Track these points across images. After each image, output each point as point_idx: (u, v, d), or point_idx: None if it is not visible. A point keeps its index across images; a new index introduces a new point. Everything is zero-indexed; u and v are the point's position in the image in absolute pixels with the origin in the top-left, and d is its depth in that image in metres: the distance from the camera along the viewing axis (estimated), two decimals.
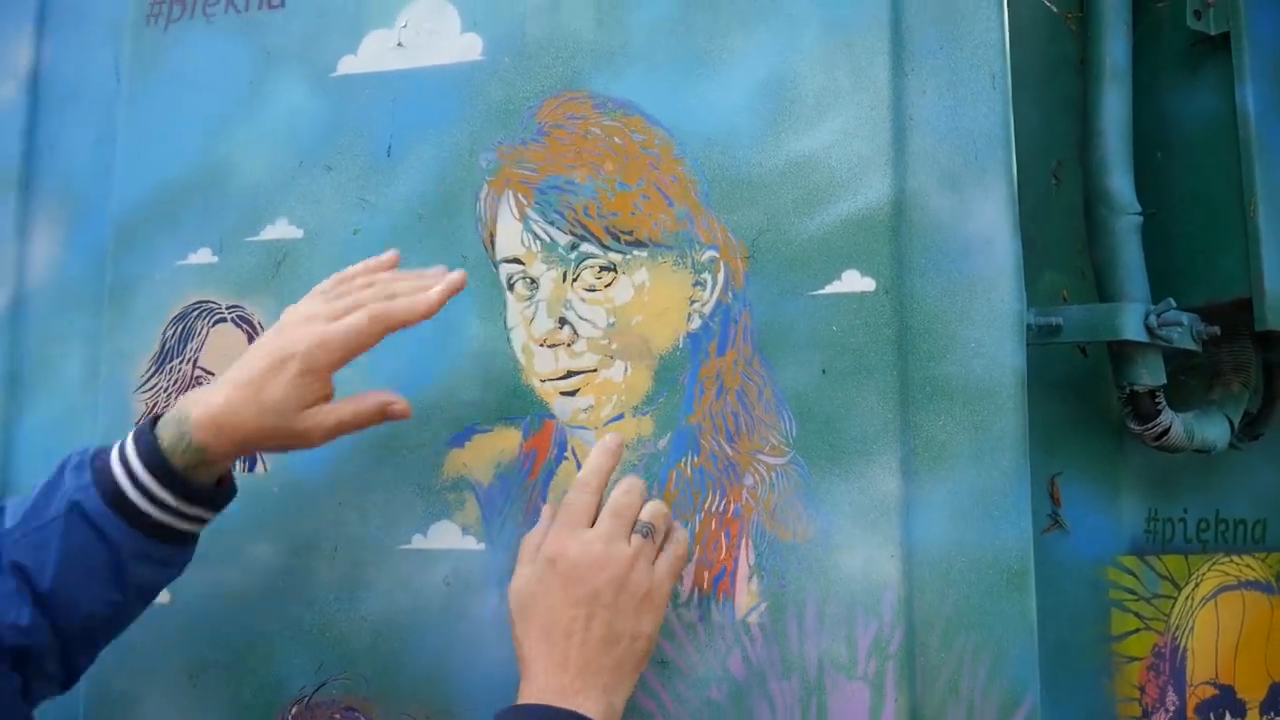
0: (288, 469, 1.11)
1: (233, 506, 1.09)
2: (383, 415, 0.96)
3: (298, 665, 1.08)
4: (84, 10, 1.31)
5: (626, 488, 0.93)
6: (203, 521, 0.95)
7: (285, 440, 0.94)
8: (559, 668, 0.85)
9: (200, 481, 0.93)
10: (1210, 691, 1.19)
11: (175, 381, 1.16)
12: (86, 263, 1.25)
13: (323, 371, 0.92)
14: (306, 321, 0.94)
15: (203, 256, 1.18)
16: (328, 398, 0.95)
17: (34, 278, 1.28)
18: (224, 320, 1.16)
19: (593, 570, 0.88)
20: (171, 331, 1.18)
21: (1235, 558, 1.24)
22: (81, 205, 1.27)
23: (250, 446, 0.95)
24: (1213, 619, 1.21)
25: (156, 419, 0.93)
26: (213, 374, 1.15)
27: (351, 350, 0.93)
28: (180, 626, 1.12)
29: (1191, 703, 1.18)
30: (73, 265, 1.26)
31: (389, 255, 1.03)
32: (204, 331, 1.17)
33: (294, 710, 1.08)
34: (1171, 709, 1.16)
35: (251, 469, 1.13)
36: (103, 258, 1.22)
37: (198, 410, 0.90)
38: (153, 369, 1.18)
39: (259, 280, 1.15)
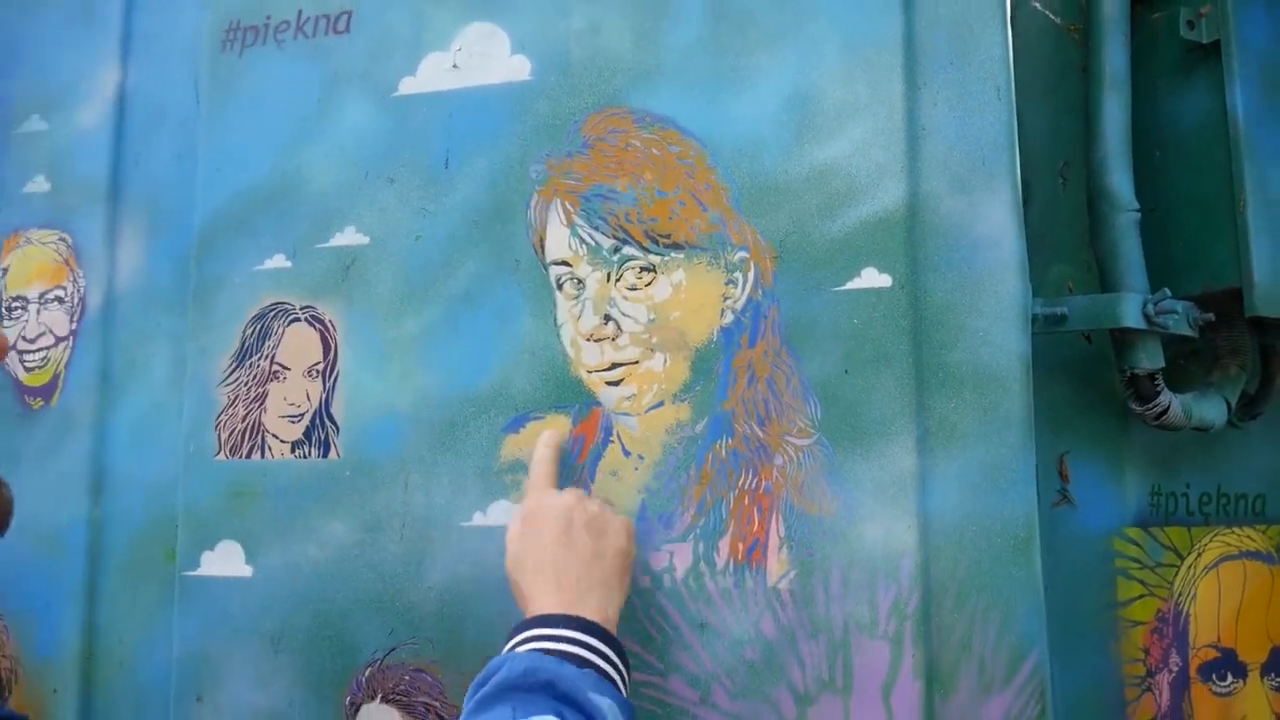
0: (360, 455, 1.22)
1: (309, 488, 1.20)
2: None
3: (371, 631, 1.19)
4: (164, 37, 1.41)
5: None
6: None
7: None
8: (556, 588, 0.96)
9: None
10: (1212, 654, 1.27)
11: (254, 376, 1.28)
12: (170, 268, 1.36)
13: None
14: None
15: (278, 262, 1.28)
16: None
17: (122, 282, 1.39)
18: (298, 320, 1.27)
19: (563, 507, 1.02)
20: (251, 330, 1.28)
21: (1236, 530, 1.32)
22: (165, 216, 1.38)
23: None
24: (1215, 586, 1.29)
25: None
26: (289, 368, 1.26)
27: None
28: (263, 597, 1.23)
29: (1194, 663, 1.26)
30: (158, 271, 1.37)
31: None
32: (280, 330, 1.27)
33: (368, 672, 1.19)
34: (1175, 669, 1.24)
35: (325, 454, 1.23)
36: (186, 264, 1.33)
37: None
38: (234, 364, 1.29)
39: (329, 283, 1.26)
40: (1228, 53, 1.16)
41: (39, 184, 1.44)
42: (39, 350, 1.40)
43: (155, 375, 1.36)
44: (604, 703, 0.85)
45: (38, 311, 1.41)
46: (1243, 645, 1.30)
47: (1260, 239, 1.13)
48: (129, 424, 1.36)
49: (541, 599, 0.96)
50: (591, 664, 0.90)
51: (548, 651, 0.89)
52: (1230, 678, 1.28)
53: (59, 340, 1.40)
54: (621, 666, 0.93)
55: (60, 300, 1.40)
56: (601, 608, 0.96)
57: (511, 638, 0.94)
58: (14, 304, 1.42)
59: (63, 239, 1.42)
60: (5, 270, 1.44)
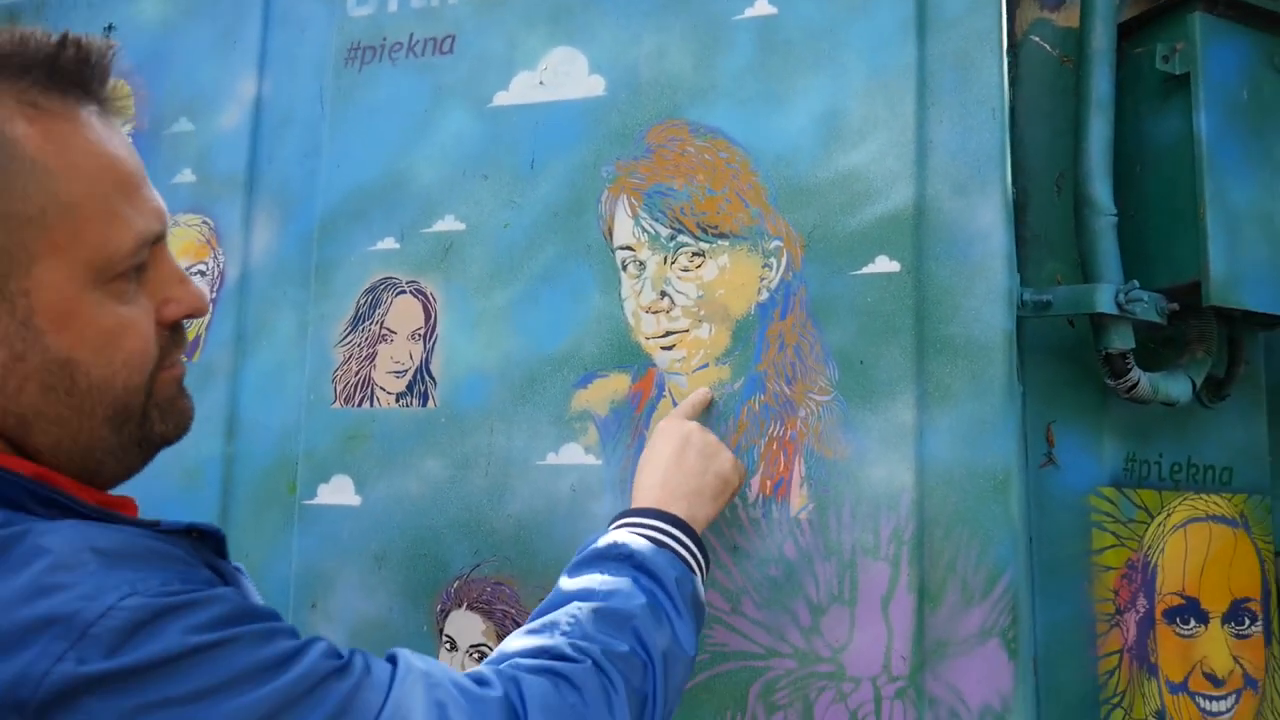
0: (453, 405, 1.46)
1: (410, 432, 1.44)
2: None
3: (460, 551, 1.42)
4: (295, 55, 1.66)
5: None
6: None
7: None
8: (658, 487, 1.16)
9: None
10: (1177, 600, 1.47)
11: (366, 338, 1.52)
12: (296, 248, 1.61)
13: None
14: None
15: (388, 244, 1.53)
16: None
17: (255, 259, 1.64)
18: (404, 292, 1.51)
19: (686, 430, 1.22)
20: (364, 300, 1.53)
21: (1204, 496, 1.51)
22: (293, 204, 1.62)
23: None
24: (1182, 543, 1.48)
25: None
26: (395, 332, 1.51)
27: None
28: (370, 522, 1.47)
29: (1160, 607, 1.45)
30: (286, 250, 1.62)
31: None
32: (389, 300, 1.52)
33: (456, 584, 1.42)
34: (1142, 611, 1.44)
35: (425, 404, 1.48)
36: (309, 244, 1.58)
37: None
38: (349, 329, 1.53)
39: (431, 262, 1.50)
40: (1195, 83, 1.36)
41: (186, 176, 1.70)
42: None
43: (281, 337, 1.60)
44: (672, 574, 1.04)
45: None
46: (1205, 596, 1.49)
47: (1217, 240, 1.33)
48: (258, 377, 1.61)
49: (643, 494, 1.17)
50: (668, 546, 1.09)
51: (633, 533, 1.10)
52: (1193, 623, 1.47)
53: None
54: (699, 554, 1.12)
55: (203, 274, 1.66)
56: (690, 511, 1.15)
57: (612, 522, 1.14)
58: None
59: (206, 222, 1.67)
60: None
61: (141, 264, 0.80)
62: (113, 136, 0.79)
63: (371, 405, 1.50)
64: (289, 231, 1.63)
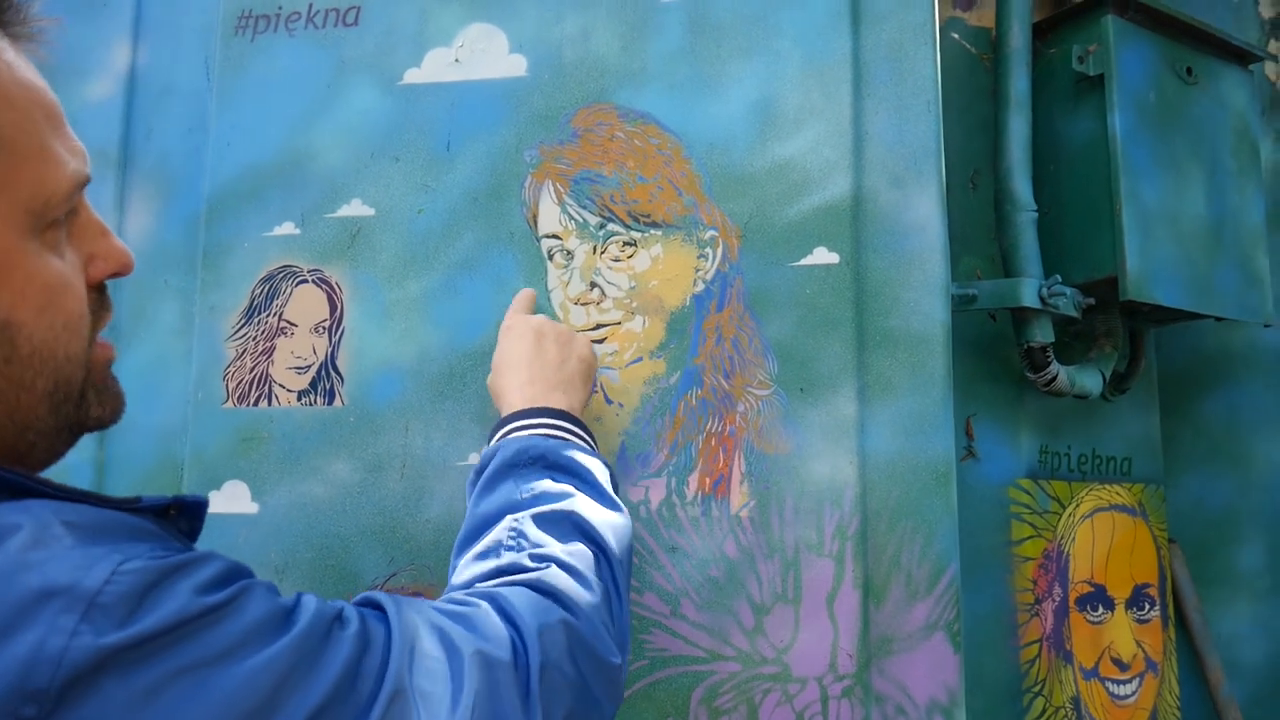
0: (364, 403, 1.35)
1: (315, 432, 1.33)
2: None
3: (372, 560, 1.32)
4: (175, 20, 1.52)
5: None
6: None
7: None
8: (528, 384, 1.11)
9: None
10: (1087, 588, 1.51)
11: (263, 331, 1.40)
12: (180, 231, 1.47)
13: None
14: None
15: (286, 229, 1.41)
16: None
17: (131, 243, 1.46)
18: (305, 281, 1.40)
19: (536, 322, 1.18)
20: (260, 290, 1.41)
21: (1108, 486, 1.56)
22: (175, 184, 1.48)
23: None
24: (1089, 532, 1.53)
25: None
26: (296, 325, 1.39)
27: None
28: (269, 531, 1.35)
29: (1073, 595, 1.49)
30: (168, 233, 1.47)
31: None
32: (288, 290, 1.40)
33: None
34: (1057, 599, 1.47)
35: (330, 403, 1.37)
36: (195, 228, 1.44)
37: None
38: (243, 321, 1.41)
39: (336, 249, 1.39)
40: (1109, 84, 1.41)
41: None
42: None
43: (162, 329, 1.46)
44: (589, 460, 1.02)
45: None
46: (1111, 582, 1.54)
47: (1132, 237, 1.38)
48: (135, 375, 1.45)
49: (514, 394, 1.11)
50: (569, 439, 1.06)
51: (532, 434, 1.05)
52: (1101, 609, 1.52)
53: None
54: (591, 441, 1.10)
55: None
56: (568, 400, 1.12)
57: (495, 433, 1.09)
58: None
59: None
60: None
61: (72, 211, 0.70)
62: (28, 65, 0.69)
63: (270, 404, 1.38)
64: (171, 213, 1.48)
